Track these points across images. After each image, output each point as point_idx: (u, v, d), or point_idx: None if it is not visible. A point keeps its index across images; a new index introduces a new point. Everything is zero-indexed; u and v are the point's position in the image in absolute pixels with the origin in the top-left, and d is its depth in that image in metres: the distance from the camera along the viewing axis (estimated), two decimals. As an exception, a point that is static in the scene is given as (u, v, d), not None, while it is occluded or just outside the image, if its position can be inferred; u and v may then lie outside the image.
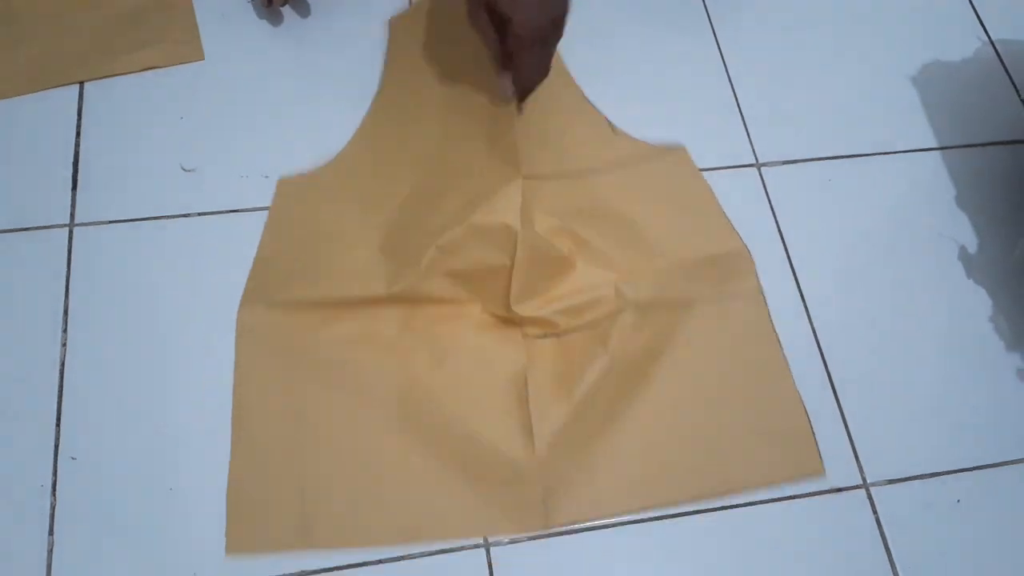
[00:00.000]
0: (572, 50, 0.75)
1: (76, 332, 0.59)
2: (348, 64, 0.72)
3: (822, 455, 0.61)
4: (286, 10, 0.74)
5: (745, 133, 0.74)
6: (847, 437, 0.62)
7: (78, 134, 0.67)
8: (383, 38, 0.74)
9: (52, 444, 0.56)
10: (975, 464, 0.63)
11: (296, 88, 0.71)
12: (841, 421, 0.63)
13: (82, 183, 0.65)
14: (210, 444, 0.57)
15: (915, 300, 0.68)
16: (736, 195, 0.71)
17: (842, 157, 0.74)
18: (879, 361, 0.65)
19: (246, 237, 0.64)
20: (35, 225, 0.63)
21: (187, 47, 0.71)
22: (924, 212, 0.72)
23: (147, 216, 0.64)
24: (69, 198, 0.64)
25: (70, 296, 0.60)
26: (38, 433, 0.56)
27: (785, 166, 0.73)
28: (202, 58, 0.71)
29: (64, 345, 0.59)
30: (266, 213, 0.65)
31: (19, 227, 0.63)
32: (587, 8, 0.77)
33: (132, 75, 0.69)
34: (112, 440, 0.56)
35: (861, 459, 0.62)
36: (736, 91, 0.76)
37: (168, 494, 0.55)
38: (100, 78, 0.69)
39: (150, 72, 0.70)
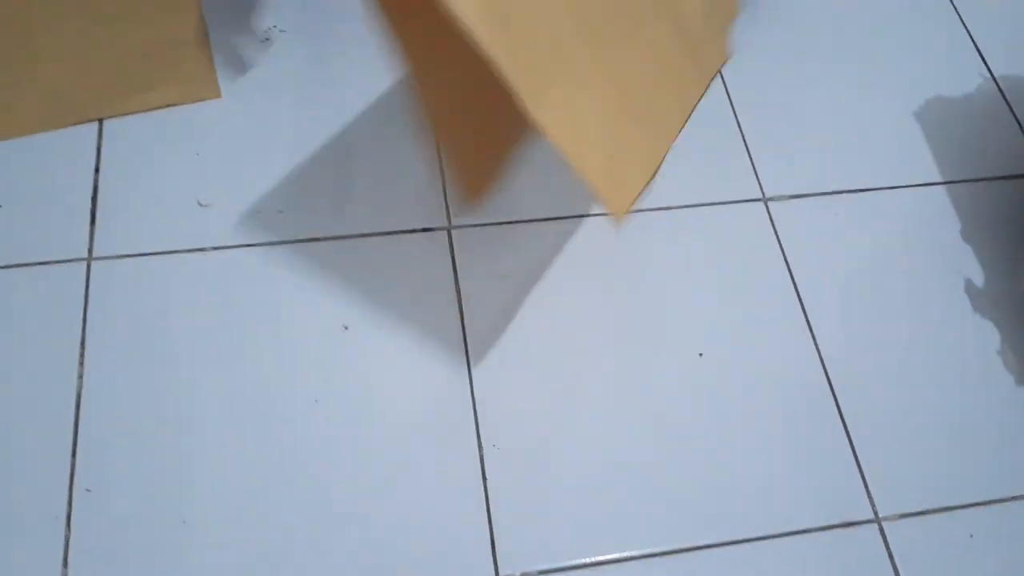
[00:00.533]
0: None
1: (92, 364, 0.60)
2: (362, 102, 0.74)
3: (834, 490, 0.61)
4: (301, 49, 0.76)
5: (751, 168, 0.75)
6: (858, 471, 0.62)
7: (97, 170, 0.68)
8: (393, 78, 0.76)
9: (67, 476, 0.56)
10: (988, 498, 0.63)
11: (310, 126, 0.72)
12: (852, 455, 0.63)
13: (100, 218, 0.66)
14: (223, 477, 0.57)
15: (923, 333, 0.69)
16: (743, 229, 0.71)
17: (848, 192, 0.74)
18: (889, 394, 0.66)
19: (259, 271, 0.65)
20: (54, 259, 0.64)
21: (204, 85, 0.73)
22: (931, 246, 0.73)
23: (163, 250, 0.65)
24: (87, 232, 0.65)
25: (87, 329, 0.61)
26: (54, 464, 0.56)
27: (792, 200, 0.73)
28: (219, 96, 0.72)
29: (81, 377, 0.59)
30: (279, 248, 0.66)
31: (39, 261, 0.64)
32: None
33: (150, 112, 0.71)
34: (127, 472, 0.57)
35: (872, 493, 0.62)
36: (742, 126, 0.77)
37: (181, 526, 0.55)
38: (119, 115, 0.70)
39: (168, 109, 0.71)
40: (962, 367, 0.68)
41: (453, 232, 0.69)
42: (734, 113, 0.78)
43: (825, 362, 0.66)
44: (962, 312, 0.70)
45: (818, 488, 0.61)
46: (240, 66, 0.74)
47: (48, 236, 0.65)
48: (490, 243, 0.69)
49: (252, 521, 0.56)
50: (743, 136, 0.77)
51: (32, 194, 0.66)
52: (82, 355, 0.60)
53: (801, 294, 0.69)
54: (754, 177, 0.74)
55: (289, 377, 0.61)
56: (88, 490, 0.56)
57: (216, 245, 0.65)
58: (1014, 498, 0.63)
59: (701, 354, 0.65)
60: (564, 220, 0.71)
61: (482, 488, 0.59)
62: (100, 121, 0.70)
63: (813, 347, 0.67)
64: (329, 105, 0.73)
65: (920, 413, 0.65)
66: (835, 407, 0.65)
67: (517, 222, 0.70)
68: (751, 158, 0.75)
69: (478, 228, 0.70)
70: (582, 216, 0.71)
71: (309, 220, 0.68)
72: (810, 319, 0.68)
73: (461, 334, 0.64)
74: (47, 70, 0.72)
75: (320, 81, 0.75)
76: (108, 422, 0.58)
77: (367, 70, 0.76)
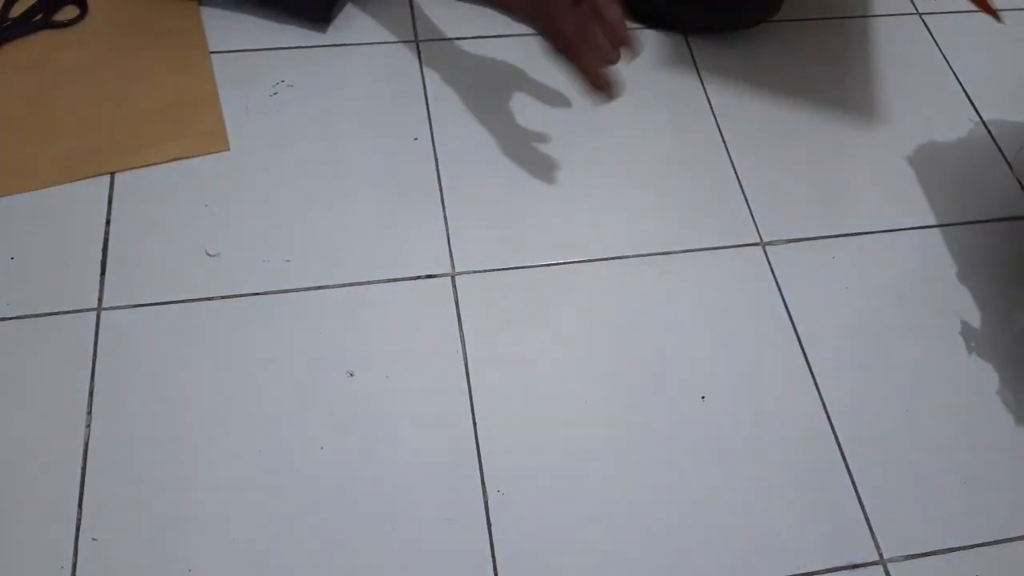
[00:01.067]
0: (572, 139, 0.79)
1: (101, 414, 0.61)
2: (366, 155, 0.76)
3: (837, 531, 0.61)
4: (309, 101, 0.78)
5: (748, 213, 0.76)
6: (862, 512, 0.62)
7: (108, 222, 0.70)
8: (403, 132, 0.77)
9: (74, 524, 0.56)
10: (993, 539, 0.62)
11: (315, 177, 0.74)
12: (856, 496, 0.63)
13: (110, 268, 0.67)
14: (230, 526, 0.57)
15: (923, 375, 0.69)
16: (741, 273, 0.73)
17: (845, 235, 0.76)
18: (891, 436, 0.66)
19: (267, 320, 0.66)
20: (64, 309, 0.65)
21: (213, 138, 0.75)
22: (928, 288, 0.74)
23: (172, 300, 0.66)
24: (98, 283, 0.66)
25: (96, 378, 0.62)
26: (60, 513, 0.57)
27: (789, 245, 0.75)
28: (227, 148, 0.74)
29: (88, 427, 0.60)
30: (286, 296, 0.67)
31: (49, 311, 0.65)
32: (576, 102, 0.81)
33: (160, 165, 0.73)
34: (133, 522, 0.57)
35: (877, 535, 0.62)
36: (738, 172, 0.79)
37: (187, 575, 0.55)
38: (130, 169, 0.72)
39: (177, 162, 0.73)
40: (962, 408, 0.68)
41: (456, 279, 0.70)
42: (730, 159, 0.80)
43: (827, 404, 0.67)
44: (960, 353, 0.71)
45: (822, 530, 0.61)
46: (248, 120, 0.76)
47: (59, 287, 0.66)
48: (492, 288, 0.70)
49: (257, 568, 0.56)
50: (739, 181, 0.78)
51: (44, 246, 0.68)
52: (90, 404, 0.61)
53: (801, 337, 0.70)
54: (751, 222, 0.76)
55: (296, 424, 0.62)
56: (94, 539, 0.56)
57: (224, 294, 0.67)
58: (1020, 538, 0.63)
59: (703, 397, 0.66)
60: (564, 265, 0.72)
61: (487, 534, 0.59)
62: (112, 175, 0.72)
63: (814, 389, 0.67)
64: (334, 158, 0.75)
65: (923, 454, 0.65)
66: (837, 448, 0.65)
67: (518, 268, 0.71)
68: (748, 203, 0.77)
69: (480, 274, 0.71)
70: (584, 261, 0.72)
71: (315, 268, 0.69)
72: (811, 362, 0.69)
73: (465, 381, 0.65)
74: (61, 126, 0.74)
75: (326, 135, 0.76)
76: (115, 471, 0.59)
77: (371, 125, 0.78)
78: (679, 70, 0.85)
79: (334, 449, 0.61)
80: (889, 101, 0.86)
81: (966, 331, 0.72)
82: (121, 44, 0.80)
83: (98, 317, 0.65)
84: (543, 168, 0.77)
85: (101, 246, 0.68)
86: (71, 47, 0.79)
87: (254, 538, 0.57)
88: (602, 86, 0.67)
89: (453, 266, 0.71)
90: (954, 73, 0.89)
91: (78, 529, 0.56)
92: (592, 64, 0.67)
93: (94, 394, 0.61)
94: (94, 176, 0.72)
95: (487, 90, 0.82)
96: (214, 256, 0.68)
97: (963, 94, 0.88)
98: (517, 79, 0.83)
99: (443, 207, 0.74)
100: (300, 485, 0.59)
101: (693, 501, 0.62)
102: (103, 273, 0.67)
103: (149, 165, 0.72)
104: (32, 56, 0.78)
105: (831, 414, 0.66)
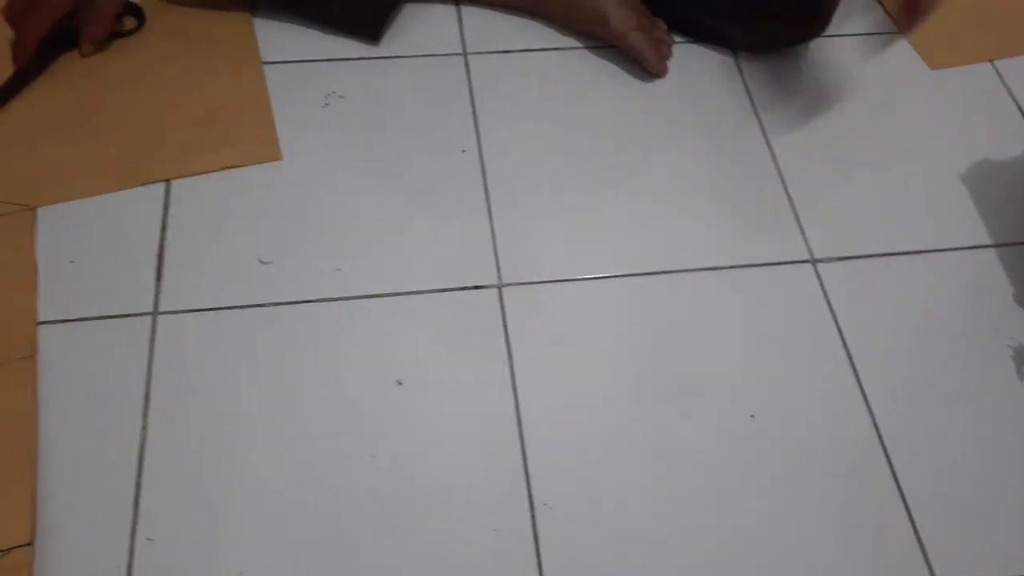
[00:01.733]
0: (619, 152, 0.79)
1: (156, 416, 0.62)
2: (416, 165, 0.76)
3: (890, 558, 0.60)
4: (359, 112, 0.79)
5: (799, 229, 0.76)
6: (916, 539, 0.61)
7: (164, 228, 0.71)
8: (451, 144, 0.78)
9: (130, 525, 0.57)
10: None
11: (365, 187, 0.75)
12: (909, 522, 0.62)
13: (166, 273, 0.68)
14: (281, 531, 0.58)
15: (977, 399, 0.68)
16: (792, 290, 0.72)
17: (897, 254, 0.75)
18: (944, 461, 0.65)
19: (319, 327, 0.66)
20: (121, 313, 0.66)
21: (265, 148, 0.76)
22: (982, 309, 0.72)
23: (226, 305, 0.67)
24: (154, 288, 0.68)
25: (151, 381, 0.63)
26: (116, 513, 0.58)
27: (840, 262, 0.74)
28: (280, 158, 0.75)
29: (144, 428, 0.61)
30: (336, 304, 0.68)
31: (107, 314, 0.66)
32: (632, 113, 0.82)
33: (215, 174, 0.74)
34: (187, 523, 0.58)
35: (932, 563, 0.60)
36: (788, 188, 0.78)
37: (237, 579, 0.56)
38: (185, 176, 0.74)
39: (231, 171, 0.74)
40: (1017, 434, 0.67)
41: (503, 290, 0.70)
42: (780, 175, 0.79)
43: (879, 427, 0.66)
44: (1014, 377, 0.69)
45: (875, 557, 0.60)
46: (300, 129, 0.77)
47: (116, 291, 0.67)
48: (539, 300, 0.70)
49: (307, 572, 0.57)
50: (789, 197, 0.78)
51: (102, 251, 0.69)
52: (146, 407, 0.62)
53: (853, 356, 0.69)
54: (802, 239, 0.75)
55: (345, 431, 0.62)
56: (149, 539, 0.57)
57: (276, 301, 0.68)
58: (1078, 569, 0.61)
59: (753, 416, 0.65)
60: (611, 279, 0.72)
61: (534, 548, 0.59)
62: (167, 181, 0.73)
63: (867, 411, 0.66)
64: (383, 168, 0.76)
65: (978, 481, 0.64)
66: (891, 473, 0.64)
67: (565, 280, 0.71)
68: (798, 219, 0.76)
69: (527, 286, 0.71)
70: (632, 275, 0.72)
71: (365, 277, 0.69)
72: (862, 382, 0.68)
73: (512, 393, 0.65)
74: (118, 134, 0.75)
75: (375, 145, 0.77)
76: (170, 473, 0.59)
77: (420, 136, 0.78)
78: (727, 86, 0.85)
79: (383, 457, 0.61)
80: (943, 118, 0.85)
81: (1019, 355, 0.71)
82: (175, 53, 0.82)
83: (154, 321, 0.66)
84: (590, 181, 0.77)
85: (157, 251, 0.69)
86: (126, 55, 0.81)
87: (303, 543, 0.58)
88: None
89: (500, 278, 0.71)
90: (1008, 90, 0.88)
91: (134, 529, 0.57)
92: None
93: (150, 397, 0.63)
94: (149, 183, 0.73)
95: (535, 103, 0.83)
96: (267, 264, 0.69)
97: (1018, 111, 0.86)
98: (565, 92, 0.83)
99: (490, 219, 0.74)
100: (349, 492, 0.60)
101: (740, 521, 0.61)
102: (159, 278, 0.68)
103: (202, 173, 0.74)
104: (89, 64, 0.80)
105: (884, 437, 0.65)
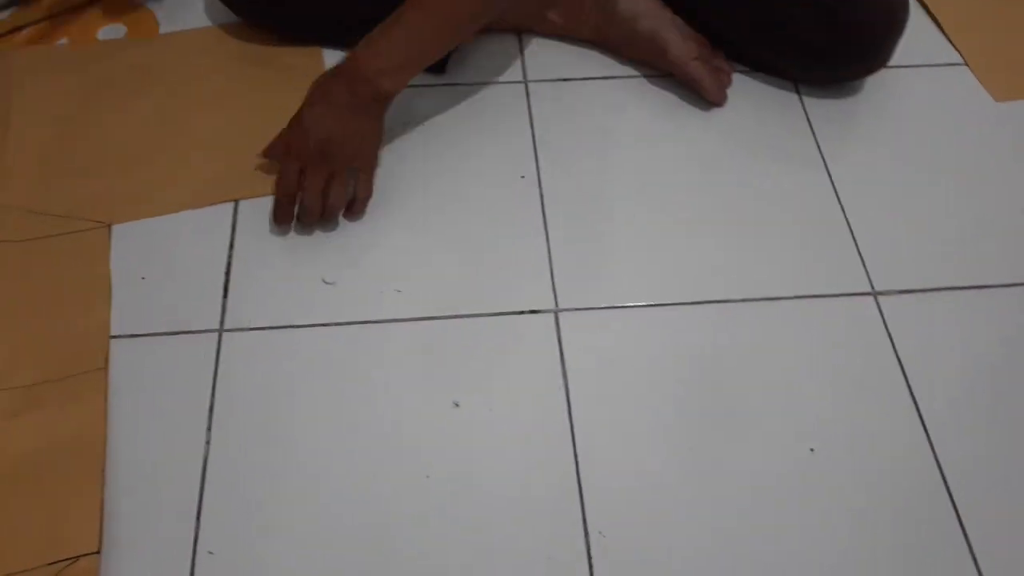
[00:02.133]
0: (677, 181, 0.79)
1: (219, 431, 0.63)
2: (476, 190, 0.78)
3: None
4: (422, 138, 0.80)
5: (860, 261, 0.75)
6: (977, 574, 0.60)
7: (231, 247, 0.73)
8: (511, 170, 0.79)
9: (192, 538, 0.59)
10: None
11: (427, 211, 0.76)
12: (973, 564, 0.60)
13: (232, 291, 0.70)
14: (337, 545, 0.59)
15: (1047, 437, 0.66)
16: (852, 323, 0.71)
17: (961, 288, 0.73)
18: (1010, 500, 0.63)
19: (379, 347, 0.68)
20: (189, 329, 0.68)
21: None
22: (1051, 346, 0.71)
23: (290, 324, 0.69)
24: (220, 305, 0.69)
25: (216, 396, 0.65)
26: (179, 526, 0.59)
27: (903, 295, 0.73)
28: (344, 181, 0.77)
29: (208, 443, 0.63)
30: (397, 325, 0.69)
31: (175, 330, 0.68)
32: (691, 141, 0.82)
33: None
34: (247, 537, 0.59)
35: (997, 604, 0.59)
36: (849, 219, 0.78)
37: (295, 594, 0.57)
38: (254, 197, 0.76)
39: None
40: (1091, 475, 0.65)
41: (560, 315, 0.71)
42: (840, 206, 0.78)
43: (941, 465, 0.64)
44: (1088, 417, 0.67)
45: (938, 596, 0.59)
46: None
47: (184, 307, 0.69)
48: (595, 326, 0.70)
49: (362, 593, 0.57)
50: (851, 229, 0.77)
51: (172, 268, 0.72)
52: (210, 421, 0.64)
53: (915, 392, 0.68)
54: (863, 270, 0.74)
55: (402, 450, 0.63)
56: (210, 552, 0.58)
57: (338, 321, 0.69)
58: None
59: (812, 449, 0.64)
60: (668, 307, 0.72)
61: None
62: (235, 202, 0.76)
63: (929, 449, 0.65)
64: (444, 193, 0.77)
65: (1047, 522, 0.62)
66: (954, 512, 0.62)
67: (622, 307, 0.71)
68: (859, 251, 0.75)
69: (583, 311, 0.71)
70: (689, 304, 0.72)
71: (424, 299, 0.71)
72: (924, 419, 0.66)
73: (567, 418, 0.65)
74: (191, 155, 0.78)
75: (436, 170, 0.79)
76: (232, 487, 0.61)
77: (480, 162, 0.80)
78: (787, 116, 0.85)
79: (438, 478, 0.62)
80: (1007, 151, 0.83)
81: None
82: (248, 78, 0.84)
83: (220, 338, 0.68)
84: (648, 209, 0.78)
85: (224, 269, 0.72)
86: (201, 80, 0.84)
87: (358, 561, 0.58)
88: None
89: (557, 303, 0.72)
90: (1078, 124, 0.86)
91: (195, 542, 0.58)
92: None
93: (214, 411, 0.64)
94: (221, 202, 0.75)
95: (593, 130, 0.83)
96: (330, 284, 0.71)
97: (1088, 146, 0.84)
98: (622, 120, 0.84)
99: (548, 244, 0.75)
100: (404, 511, 0.60)
101: (799, 555, 0.60)
102: (225, 296, 0.70)
103: (271, 195, 0.76)
104: (165, 88, 0.83)
105: (946, 475, 0.64)
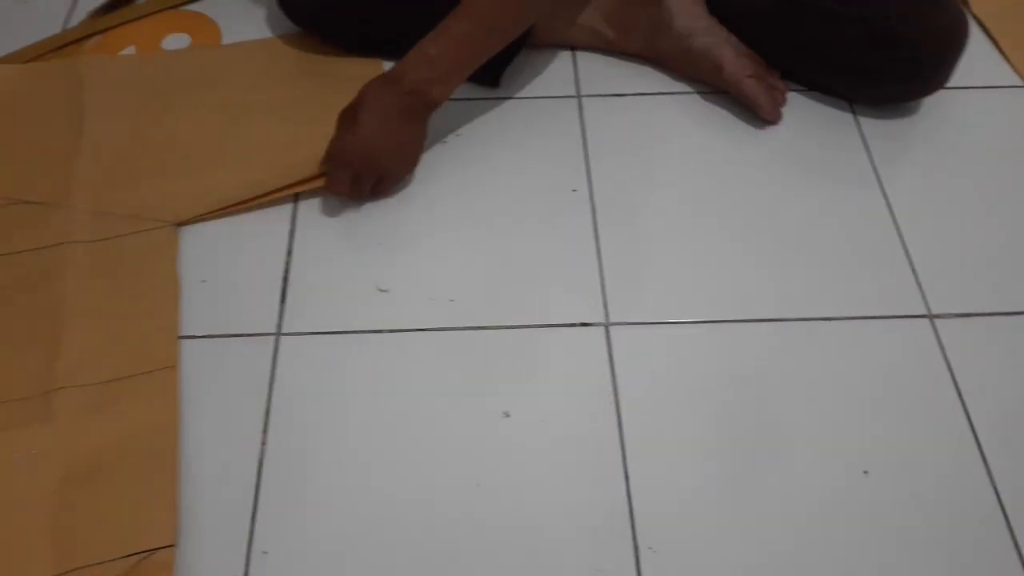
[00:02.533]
0: (729, 198, 0.79)
1: (275, 433, 0.64)
2: (529, 203, 0.78)
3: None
4: (477, 151, 0.82)
5: (916, 283, 0.74)
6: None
7: (289, 253, 0.75)
8: (563, 183, 0.80)
9: (247, 537, 0.60)
10: None
11: (480, 222, 0.77)
12: (1031, 592, 0.59)
13: (290, 297, 0.72)
14: (387, 549, 0.59)
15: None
16: (907, 345, 0.70)
17: (1020, 313, 0.72)
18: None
19: (431, 355, 0.69)
20: (247, 332, 0.70)
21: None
22: (1115, 375, 0.69)
23: (345, 330, 0.70)
24: (278, 310, 0.71)
25: (272, 399, 0.66)
26: (235, 525, 0.60)
27: (960, 319, 0.72)
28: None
29: (264, 444, 0.64)
30: (449, 334, 0.70)
31: (233, 333, 0.70)
32: (745, 159, 0.82)
33: (339, 203, 0.77)
34: (301, 538, 0.60)
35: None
36: (905, 240, 0.77)
37: (346, 596, 0.58)
38: (312, 189, 0.77)
39: (351, 203, 0.78)
40: None
41: (611, 329, 0.71)
42: (896, 227, 0.78)
43: (999, 490, 0.63)
44: None
45: (995, 626, 0.58)
46: (422, 166, 0.80)
47: (243, 311, 0.71)
48: (646, 341, 0.70)
49: (412, 599, 0.58)
50: (906, 250, 0.76)
51: (232, 272, 0.73)
52: (266, 423, 0.65)
53: (971, 416, 0.67)
54: (919, 292, 0.73)
55: (453, 458, 0.64)
56: (265, 552, 0.59)
57: (392, 328, 0.70)
58: None
59: (866, 472, 0.64)
60: (719, 324, 0.71)
61: (637, 589, 0.58)
62: (294, 210, 0.77)
63: (986, 475, 0.64)
64: (497, 204, 0.78)
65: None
66: (1010, 538, 0.61)
67: (673, 323, 0.71)
68: (915, 273, 0.75)
69: (634, 326, 0.71)
70: (740, 321, 0.72)
71: (477, 309, 0.71)
72: (981, 443, 0.65)
73: (618, 432, 0.65)
74: (260, 157, 0.80)
75: (491, 183, 0.80)
76: (286, 488, 0.62)
77: (533, 175, 0.81)
78: (843, 135, 0.84)
79: (488, 487, 0.62)
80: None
81: None
82: (309, 87, 0.86)
83: (277, 341, 0.69)
84: (701, 225, 0.78)
85: (282, 275, 0.73)
86: (263, 88, 0.86)
87: (407, 566, 0.59)
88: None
89: (607, 316, 0.72)
90: None
91: (250, 542, 0.60)
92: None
93: (270, 414, 0.65)
94: (281, 196, 0.77)
95: (646, 146, 0.84)
96: (385, 292, 0.72)
97: None
98: (675, 136, 0.84)
99: (599, 258, 0.75)
100: (453, 519, 0.61)
101: (851, 575, 0.59)
102: (283, 301, 0.72)
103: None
104: (229, 94, 0.85)
105: (1003, 500, 0.63)
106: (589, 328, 0.71)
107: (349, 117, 0.74)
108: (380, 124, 0.73)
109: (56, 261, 0.72)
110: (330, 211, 0.77)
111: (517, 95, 0.87)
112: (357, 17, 0.86)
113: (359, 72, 0.87)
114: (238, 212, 0.77)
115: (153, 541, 0.58)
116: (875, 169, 0.82)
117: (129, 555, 0.57)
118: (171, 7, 0.96)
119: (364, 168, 0.74)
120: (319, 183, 0.77)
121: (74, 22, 0.95)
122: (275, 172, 0.78)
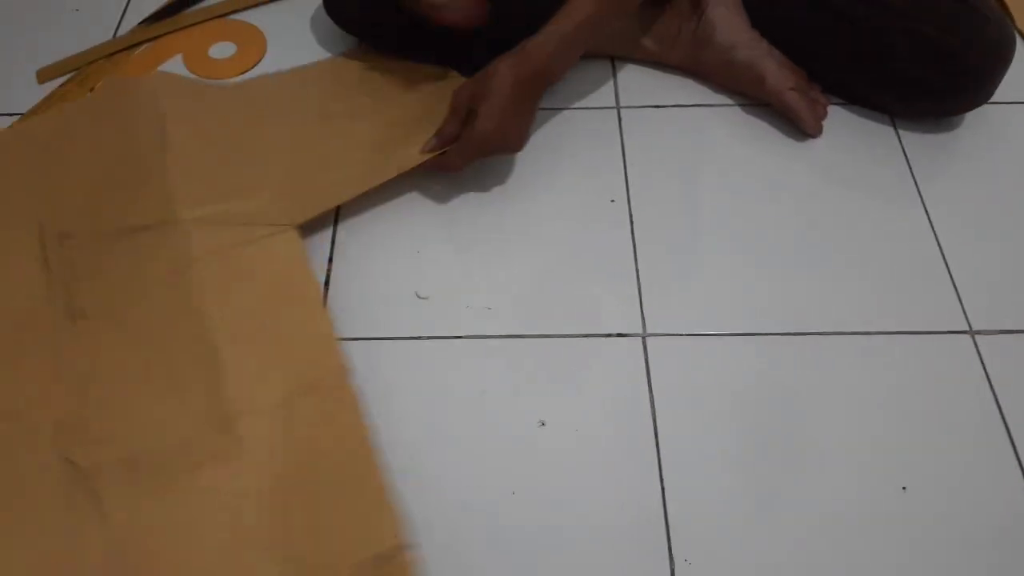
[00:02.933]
0: (769, 211, 0.79)
1: (315, 436, 0.65)
2: (567, 212, 0.79)
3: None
4: (516, 160, 0.82)
5: (957, 298, 0.73)
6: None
7: (330, 259, 0.76)
8: (601, 193, 0.80)
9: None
10: None
11: (518, 230, 0.78)
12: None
13: (331, 302, 0.73)
14: (429, 554, 0.60)
15: None
16: (947, 361, 0.70)
17: (1065, 331, 0.71)
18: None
19: (468, 362, 0.69)
20: (289, 336, 0.71)
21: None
22: None
23: (385, 336, 0.71)
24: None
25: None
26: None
27: (1002, 336, 0.71)
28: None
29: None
30: (485, 341, 0.70)
31: (276, 337, 0.71)
32: (785, 171, 0.82)
33: (379, 214, 0.79)
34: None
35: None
36: (946, 256, 0.76)
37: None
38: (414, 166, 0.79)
39: (395, 212, 0.79)
40: None
41: (647, 340, 0.71)
42: (937, 242, 0.77)
43: (1041, 511, 0.62)
44: None
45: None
46: (460, 174, 0.81)
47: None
48: (683, 352, 0.71)
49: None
50: (947, 266, 0.75)
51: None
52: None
53: (1012, 434, 0.66)
54: (960, 308, 0.73)
55: (488, 466, 0.64)
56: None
57: (431, 335, 0.71)
58: None
59: (904, 488, 0.63)
60: (756, 337, 0.71)
61: (672, 601, 0.59)
62: (336, 217, 0.78)
63: (1028, 494, 0.63)
64: (535, 214, 0.79)
65: None
66: (1052, 559, 0.60)
67: (710, 335, 0.72)
68: (956, 289, 0.74)
69: (671, 337, 0.71)
70: (778, 335, 0.71)
71: (513, 318, 0.72)
72: (1022, 462, 0.65)
73: (654, 443, 0.65)
74: (355, 155, 0.80)
75: (529, 192, 0.81)
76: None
77: (571, 185, 0.82)
78: (884, 149, 0.84)
79: (523, 496, 0.63)
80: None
81: None
82: (385, 94, 0.87)
83: (318, 346, 0.70)
84: (739, 237, 0.78)
85: (324, 281, 0.74)
86: (340, 100, 0.87)
87: (444, 573, 0.59)
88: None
89: (644, 327, 0.72)
90: None
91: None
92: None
93: (311, 417, 0.66)
94: (388, 178, 0.77)
95: (684, 157, 0.84)
96: (424, 299, 0.73)
97: None
98: (715, 148, 0.85)
99: (636, 268, 0.76)
100: (488, 527, 0.62)
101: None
102: (324, 305, 0.73)
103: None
104: (306, 108, 0.86)
105: (1046, 522, 0.62)
106: (626, 339, 0.71)
107: (477, 97, 0.73)
108: (510, 106, 0.73)
109: (187, 286, 0.69)
110: (370, 219, 0.79)
111: (555, 106, 0.87)
112: (402, 22, 0.86)
113: (430, 74, 0.87)
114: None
115: (387, 544, 0.58)
116: (916, 184, 0.81)
117: (373, 556, 0.57)
118: (219, 16, 0.98)
119: (489, 152, 0.76)
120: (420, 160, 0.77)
121: (124, 30, 0.97)
122: (378, 165, 0.77)
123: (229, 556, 0.57)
